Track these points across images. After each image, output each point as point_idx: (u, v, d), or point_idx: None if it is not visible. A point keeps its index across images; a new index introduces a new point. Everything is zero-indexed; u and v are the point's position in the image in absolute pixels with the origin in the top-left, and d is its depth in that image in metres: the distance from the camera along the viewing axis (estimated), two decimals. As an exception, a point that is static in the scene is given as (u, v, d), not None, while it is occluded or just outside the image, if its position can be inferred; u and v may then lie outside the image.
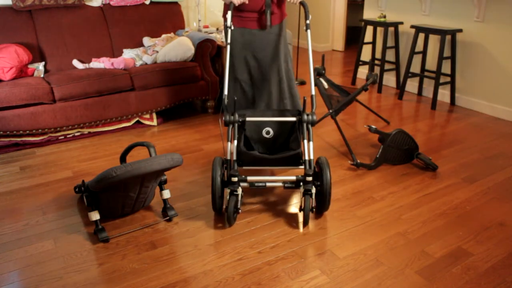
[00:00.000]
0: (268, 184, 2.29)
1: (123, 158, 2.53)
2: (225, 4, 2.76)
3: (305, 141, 2.31)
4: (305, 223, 2.25)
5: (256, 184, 2.28)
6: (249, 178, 2.26)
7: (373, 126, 2.89)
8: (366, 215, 2.36)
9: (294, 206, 2.45)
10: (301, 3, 2.62)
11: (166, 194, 2.35)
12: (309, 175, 2.18)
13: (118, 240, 2.14)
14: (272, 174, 2.84)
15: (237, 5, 2.56)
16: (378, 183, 2.72)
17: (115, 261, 1.98)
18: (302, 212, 2.30)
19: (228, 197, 2.19)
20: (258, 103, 2.84)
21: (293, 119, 2.41)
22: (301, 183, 2.24)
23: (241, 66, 2.78)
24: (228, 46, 2.65)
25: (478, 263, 1.97)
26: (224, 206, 2.35)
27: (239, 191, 2.19)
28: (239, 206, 2.21)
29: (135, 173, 1.99)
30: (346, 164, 2.99)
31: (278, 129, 2.52)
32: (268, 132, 2.49)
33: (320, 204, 2.29)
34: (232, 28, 2.63)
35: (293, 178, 2.27)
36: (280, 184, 2.30)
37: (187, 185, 2.69)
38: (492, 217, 2.35)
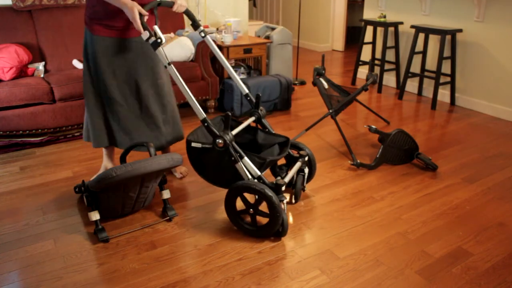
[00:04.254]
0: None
1: (123, 158, 2.53)
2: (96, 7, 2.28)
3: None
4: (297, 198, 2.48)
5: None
6: (286, 179, 2.20)
7: (373, 126, 2.89)
8: (366, 215, 2.36)
9: (294, 206, 2.46)
10: (185, 13, 2.44)
11: (166, 194, 2.35)
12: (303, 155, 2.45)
13: (118, 240, 2.14)
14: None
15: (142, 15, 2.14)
16: (378, 183, 2.72)
17: (115, 261, 1.98)
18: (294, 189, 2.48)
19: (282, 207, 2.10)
20: (135, 127, 2.54)
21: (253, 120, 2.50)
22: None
23: (119, 83, 2.43)
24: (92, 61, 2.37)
25: (478, 263, 1.97)
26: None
27: (286, 199, 2.18)
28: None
29: (135, 173, 1.99)
30: (346, 164, 2.99)
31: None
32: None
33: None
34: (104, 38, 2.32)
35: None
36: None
37: (187, 185, 2.69)
38: (492, 217, 2.35)
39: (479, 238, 2.16)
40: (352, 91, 3.33)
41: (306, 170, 2.48)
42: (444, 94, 4.42)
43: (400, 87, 4.50)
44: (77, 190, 2.32)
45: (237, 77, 2.53)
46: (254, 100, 2.49)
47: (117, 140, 2.56)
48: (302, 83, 5.07)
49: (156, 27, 2.14)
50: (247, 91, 2.52)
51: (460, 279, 1.87)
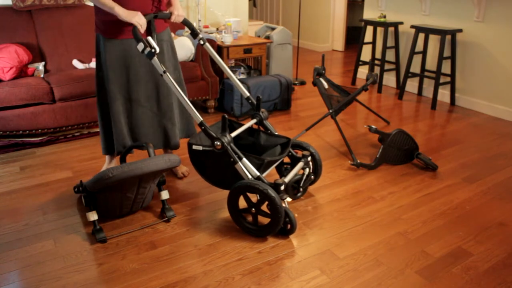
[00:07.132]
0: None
1: (123, 158, 2.53)
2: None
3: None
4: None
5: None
6: (286, 179, 2.20)
7: (373, 126, 2.89)
8: (366, 215, 2.36)
9: (294, 206, 2.45)
10: (183, 22, 2.48)
11: (165, 195, 2.35)
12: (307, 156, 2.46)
13: (118, 240, 2.14)
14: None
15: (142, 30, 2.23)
16: (378, 183, 2.72)
17: (115, 261, 1.98)
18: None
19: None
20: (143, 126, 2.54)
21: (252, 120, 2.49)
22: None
23: (136, 83, 2.46)
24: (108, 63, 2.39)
25: (478, 263, 1.97)
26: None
27: (287, 198, 2.16)
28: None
29: (132, 174, 1.98)
30: (346, 164, 2.99)
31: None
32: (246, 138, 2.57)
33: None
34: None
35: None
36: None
37: (187, 185, 2.69)
38: (492, 217, 2.35)
39: (479, 238, 2.16)
40: (352, 91, 3.33)
41: (307, 170, 2.46)
42: (444, 94, 4.42)
43: (400, 87, 4.50)
44: (76, 190, 2.33)
45: (239, 82, 2.54)
46: (255, 102, 2.50)
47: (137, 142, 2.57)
48: (302, 83, 5.07)
49: (149, 38, 2.17)
50: (248, 94, 2.52)
51: (460, 279, 1.87)
